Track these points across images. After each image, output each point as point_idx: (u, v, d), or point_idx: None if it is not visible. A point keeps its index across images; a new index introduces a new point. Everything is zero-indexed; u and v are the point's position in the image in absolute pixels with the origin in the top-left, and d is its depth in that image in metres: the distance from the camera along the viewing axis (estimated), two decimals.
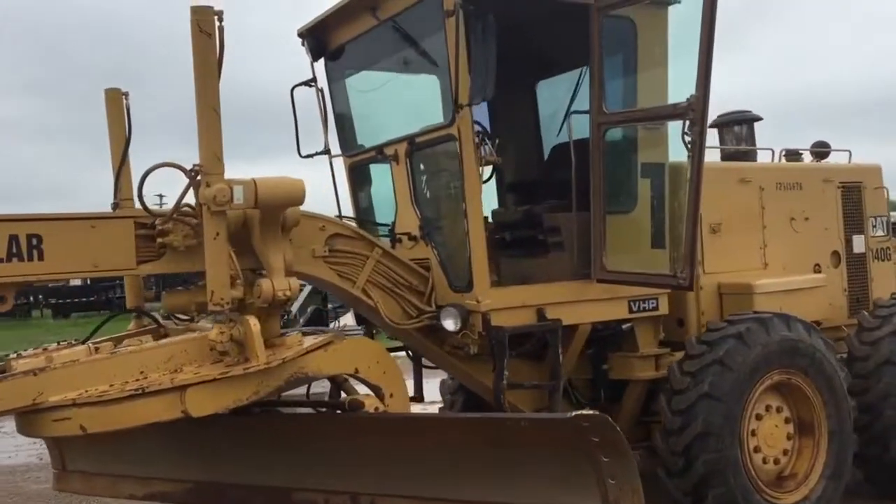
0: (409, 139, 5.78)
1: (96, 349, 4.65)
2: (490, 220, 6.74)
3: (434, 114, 5.72)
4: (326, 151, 6.53)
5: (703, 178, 6.27)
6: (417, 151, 5.77)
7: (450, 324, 5.35)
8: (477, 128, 6.06)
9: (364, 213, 6.64)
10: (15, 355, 4.53)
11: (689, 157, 5.14)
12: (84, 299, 37.45)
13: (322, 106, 6.51)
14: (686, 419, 5.40)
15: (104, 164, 5.34)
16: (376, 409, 4.82)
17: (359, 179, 6.64)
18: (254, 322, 4.35)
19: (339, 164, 6.71)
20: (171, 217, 4.48)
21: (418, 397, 6.62)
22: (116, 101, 5.41)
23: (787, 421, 5.82)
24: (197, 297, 4.65)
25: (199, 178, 4.29)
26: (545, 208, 6.17)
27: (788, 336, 5.72)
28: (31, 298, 37.26)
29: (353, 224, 5.73)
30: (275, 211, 4.50)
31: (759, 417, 5.66)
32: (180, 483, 5.49)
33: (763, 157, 7.26)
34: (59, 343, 4.84)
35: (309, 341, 4.79)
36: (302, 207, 4.66)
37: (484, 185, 6.28)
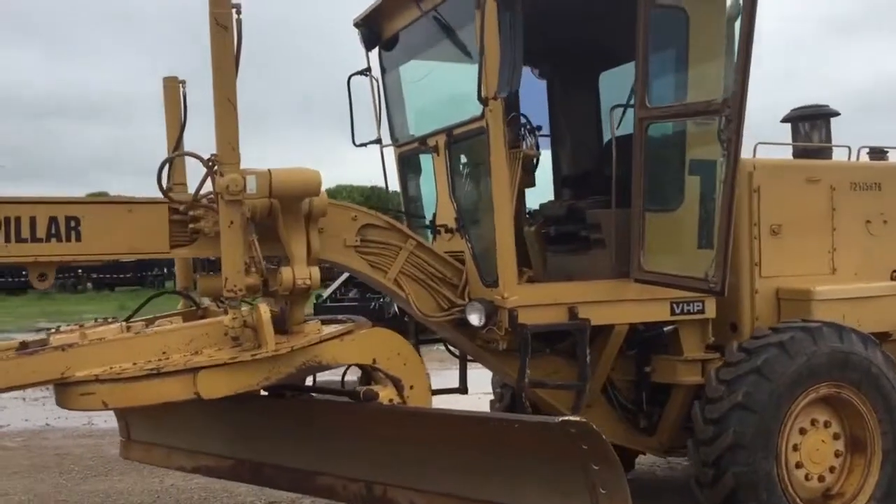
0: (448, 131, 5.76)
1: (128, 328, 4.89)
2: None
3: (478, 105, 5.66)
4: (378, 141, 6.59)
5: (767, 177, 6.06)
6: (454, 144, 5.73)
7: (474, 318, 5.30)
8: (520, 120, 6.00)
9: (412, 203, 6.67)
10: (54, 330, 4.82)
11: (723, 155, 4.88)
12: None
13: (376, 95, 6.57)
14: (718, 429, 5.16)
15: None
16: (391, 400, 4.85)
17: (407, 170, 6.67)
18: (264, 309, 4.45)
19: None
20: (192, 204, 4.63)
21: (463, 389, 6.62)
22: (173, 90, 5.65)
23: (836, 437, 5.49)
24: None
25: (215, 167, 4.42)
26: (589, 203, 6.01)
27: (839, 347, 5.37)
28: (165, 270, 39.35)
29: (385, 215, 5.75)
30: (292, 201, 4.58)
31: (802, 432, 5.36)
32: (224, 459, 5.72)
33: (840, 156, 6.80)
34: (95, 320, 5.09)
35: (329, 330, 4.88)
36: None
37: (539, 177, 6.23)
